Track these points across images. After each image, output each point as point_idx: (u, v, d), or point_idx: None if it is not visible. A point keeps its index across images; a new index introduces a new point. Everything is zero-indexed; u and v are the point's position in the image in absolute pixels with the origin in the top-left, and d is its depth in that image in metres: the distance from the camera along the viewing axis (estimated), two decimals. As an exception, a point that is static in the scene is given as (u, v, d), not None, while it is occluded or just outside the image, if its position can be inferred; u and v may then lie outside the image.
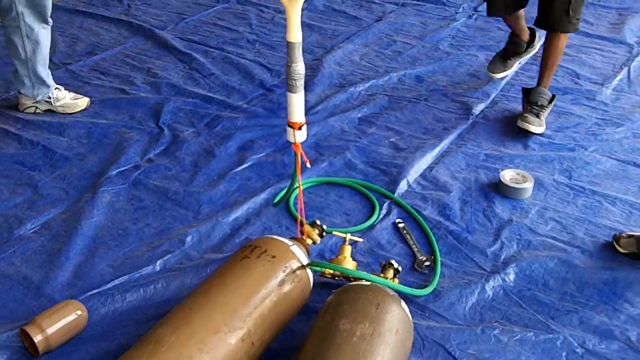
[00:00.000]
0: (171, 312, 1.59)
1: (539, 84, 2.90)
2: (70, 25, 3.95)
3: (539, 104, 2.84)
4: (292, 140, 1.78)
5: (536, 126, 2.78)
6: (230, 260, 1.75)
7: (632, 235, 2.10)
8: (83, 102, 3.00)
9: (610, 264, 2.06)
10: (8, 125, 2.86)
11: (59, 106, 2.95)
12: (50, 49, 2.93)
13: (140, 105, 3.04)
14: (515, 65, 3.23)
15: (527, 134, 2.78)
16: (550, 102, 2.87)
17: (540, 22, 2.82)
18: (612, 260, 2.07)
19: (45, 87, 2.92)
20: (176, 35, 3.80)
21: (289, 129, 1.77)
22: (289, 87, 1.71)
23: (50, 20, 2.83)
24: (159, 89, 3.19)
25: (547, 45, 2.86)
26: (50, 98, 2.93)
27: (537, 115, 2.82)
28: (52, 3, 2.82)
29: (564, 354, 1.75)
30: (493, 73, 3.16)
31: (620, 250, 2.09)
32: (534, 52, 3.25)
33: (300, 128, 1.75)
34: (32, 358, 1.77)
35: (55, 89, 2.96)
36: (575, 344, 1.77)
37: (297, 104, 1.73)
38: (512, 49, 3.16)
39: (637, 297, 1.93)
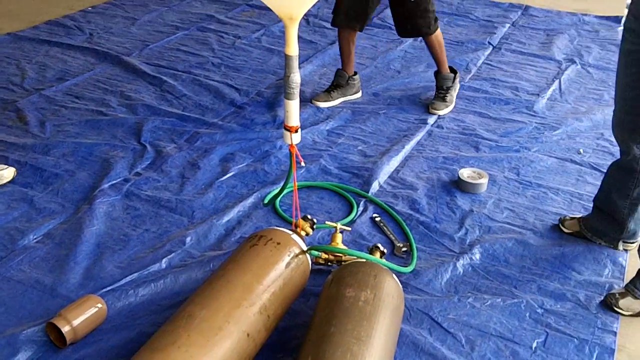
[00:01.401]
0: (196, 293, 1.80)
1: (440, 72, 3.45)
2: (36, 54, 4.09)
3: (445, 87, 3.44)
4: (289, 142, 2.01)
5: (442, 109, 3.40)
6: (240, 248, 1.97)
7: (574, 218, 2.46)
8: (9, 172, 2.74)
9: (559, 242, 2.41)
10: (-7, 149, 2.99)
11: None
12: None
13: (119, 125, 3.22)
14: (339, 100, 3.50)
15: (477, 139, 3.14)
16: (454, 81, 3.45)
17: (408, 34, 3.39)
18: (560, 239, 2.43)
19: None
20: (142, 60, 4.00)
21: (285, 132, 2.01)
22: (286, 95, 1.96)
23: None
24: (135, 110, 3.38)
25: (429, 45, 3.37)
26: None
27: (444, 99, 3.42)
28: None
29: (527, 314, 2.07)
30: (317, 101, 3.49)
31: (566, 230, 2.45)
32: (355, 96, 3.58)
33: (296, 131, 2.01)
34: (58, 350, 1.91)
35: None
36: (536, 306, 2.10)
37: (293, 109, 1.98)
38: (336, 82, 3.50)
39: (582, 267, 2.29)
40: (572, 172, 2.88)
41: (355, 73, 3.55)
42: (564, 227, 2.45)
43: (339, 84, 3.50)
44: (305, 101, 3.44)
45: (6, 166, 2.77)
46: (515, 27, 4.74)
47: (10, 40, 4.28)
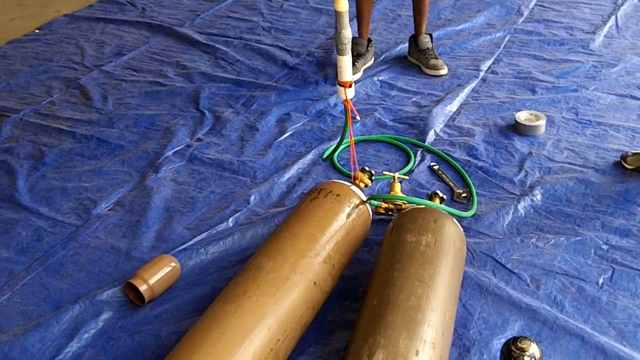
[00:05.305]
0: (263, 245, 1.87)
1: (420, 32, 3.34)
2: (92, 32, 4.20)
3: (428, 47, 3.31)
4: (344, 97, 2.05)
5: (445, 68, 3.25)
6: (301, 202, 2.03)
7: (636, 153, 2.42)
8: None
9: (621, 178, 2.38)
10: (60, 124, 3.10)
11: None
12: None
13: (177, 95, 3.30)
14: (362, 71, 3.32)
15: (533, 82, 3.09)
16: (432, 42, 3.35)
17: None
18: (622, 175, 2.40)
19: None
20: (195, 30, 4.07)
21: (339, 87, 2.05)
22: (338, 50, 1.99)
23: None
24: (192, 78, 3.46)
25: (418, 3, 3.27)
26: None
27: (437, 57, 3.28)
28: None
29: (592, 251, 2.06)
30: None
31: (628, 166, 2.41)
32: (370, 62, 3.42)
33: (350, 86, 2.03)
34: (137, 308, 2.02)
35: None
36: (601, 243, 2.09)
37: (346, 65, 2.00)
38: (357, 51, 3.28)
39: (647, 202, 2.26)
40: (633, 108, 2.82)
41: (370, 40, 3.40)
42: (626, 163, 2.42)
43: (359, 52, 3.29)
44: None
45: None
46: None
47: (68, 21, 4.41)
